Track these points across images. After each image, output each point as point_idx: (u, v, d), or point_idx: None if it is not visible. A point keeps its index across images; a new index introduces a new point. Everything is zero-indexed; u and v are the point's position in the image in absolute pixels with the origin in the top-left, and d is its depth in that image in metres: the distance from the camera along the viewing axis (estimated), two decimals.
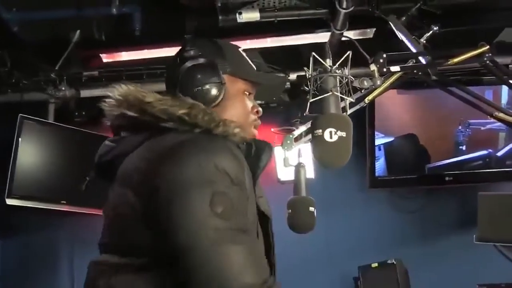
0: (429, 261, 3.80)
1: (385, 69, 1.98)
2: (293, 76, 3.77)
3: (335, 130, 1.81)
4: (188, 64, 1.59)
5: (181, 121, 1.47)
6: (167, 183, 1.37)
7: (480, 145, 3.96)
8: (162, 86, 3.80)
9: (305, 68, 1.97)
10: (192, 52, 1.60)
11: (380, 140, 3.91)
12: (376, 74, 1.98)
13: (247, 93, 1.66)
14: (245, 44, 3.61)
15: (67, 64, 3.55)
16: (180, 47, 1.67)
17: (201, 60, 1.59)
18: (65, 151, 3.64)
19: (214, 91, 1.57)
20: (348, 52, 1.90)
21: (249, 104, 1.66)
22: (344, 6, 2.78)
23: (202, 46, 1.63)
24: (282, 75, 1.93)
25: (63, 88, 3.61)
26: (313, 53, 1.92)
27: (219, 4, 2.97)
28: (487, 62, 2.37)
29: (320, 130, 1.85)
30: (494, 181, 3.95)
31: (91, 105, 3.72)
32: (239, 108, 1.63)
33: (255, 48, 3.77)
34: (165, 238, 1.36)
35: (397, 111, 3.96)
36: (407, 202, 4.07)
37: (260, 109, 1.67)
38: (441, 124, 3.97)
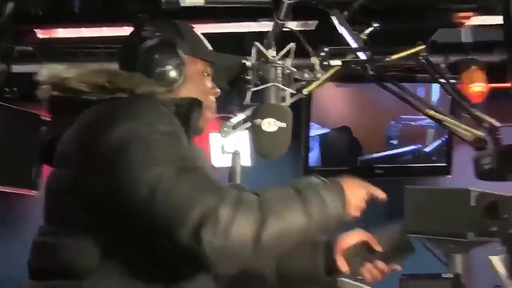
0: None
1: (326, 63, 2.01)
2: None
3: (275, 121, 1.82)
4: (148, 43, 1.54)
5: (103, 90, 1.43)
6: (103, 152, 1.34)
7: (410, 140, 4.12)
8: (98, 66, 3.78)
9: (247, 57, 1.96)
10: (150, 32, 1.56)
11: (315, 131, 3.97)
12: (317, 67, 2.00)
13: (206, 74, 1.64)
14: None
15: None
16: (133, 27, 1.62)
17: (161, 39, 1.55)
18: None
19: (175, 72, 1.54)
20: (291, 44, 1.91)
21: (208, 84, 1.65)
22: None
23: (160, 26, 1.59)
24: (237, 56, 1.92)
25: None
26: (256, 43, 1.91)
27: None
28: (422, 61, 2.43)
29: (260, 120, 1.85)
30: (421, 175, 4.13)
31: (23, 81, 3.64)
32: (198, 88, 1.61)
33: None
34: (114, 201, 1.32)
35: (334, 103, 4.03)
36: None
37: (218, 90, 1.67)
38: (375, 118, 4.09)
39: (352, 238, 1.76)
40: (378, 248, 1.74)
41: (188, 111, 1.52)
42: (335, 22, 2.59)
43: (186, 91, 1.58)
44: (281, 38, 3.29)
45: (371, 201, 4.42)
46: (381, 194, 1.67)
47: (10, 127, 3.51)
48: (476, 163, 3.10)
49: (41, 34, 3.30)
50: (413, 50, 2.38)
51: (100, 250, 1.36)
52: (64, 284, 1.38)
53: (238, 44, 3.82)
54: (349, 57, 2.34)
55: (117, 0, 3.37)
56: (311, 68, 2.11)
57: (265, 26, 3.44)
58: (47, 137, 1.56)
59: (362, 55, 2.33)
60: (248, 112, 2.62)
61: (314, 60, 2.01)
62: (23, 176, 3.47)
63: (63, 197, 1.42)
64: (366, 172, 4.06)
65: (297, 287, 1.81)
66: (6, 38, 3.48)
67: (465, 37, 4.01)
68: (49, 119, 1.63)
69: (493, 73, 3.92)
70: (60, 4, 3.29)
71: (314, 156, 4.03)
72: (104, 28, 3.44)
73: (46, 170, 3.68)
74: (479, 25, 3.68)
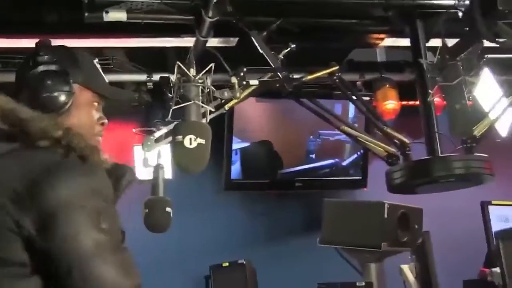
0: (276, 261, 3.92)
1: (244, 82, 2.09)
2: (156, 77, 3.79)
3: (195, 137, 1.88)
4: (41, 68, 1.59)
5: (55, 142, 1.47)
6: (47, 206, 1.38)
7: (328, 154, 4.20)
8: (9, 77, 3.69)
9: (170, 76, 2.02)
10: (46, 58, 1.61)
11: (236, 144, 3.99)
12: (236, 86, 2.08)
13: (96, 104, 1.68)
14: (109, 43, 3.60)
15: None
16: (34, 48, 1.64)
17: (54, 67, 1.60)
18: None
19: (62, 98, 1.59)
20: (211, 64, 1.98)
21: (96, 115, 1.68)
22: (210, 15, 2.85)
23: (57, 53, 1.64)
24: (131, 91, 1.97)
25: None
26: (178, 62, 1.97)
27: (86, 1, 2.92)
28: (336, 80, 2.56)
29: (181, 136, 1.91)
30: (339, 188, 4.22)
31: None
32: (85, 117, 1.65)
33: (120, 47, 3.79)
34: (48, 254, 1.37)
35: (255, 118, 4.07)
36: (258, 205, 4.20)
37: (106, 121, 1.70)
38: (295, 132, 4.15)
39: None
40: None
41: (120, 176, 1.57)
42: (254, 42, 2.68)
43: (75, 118, 1.62)
44: (202, 56, 3.36)
45: (291, 213, 4.52)
46: None
47: None
48: (387, 177, 3.26)
49: None
50: (327, 71, 2.52)
51: None
52: None
53: (160, 57, 3.85)
54: (266, 76, 2.43)
55: (39, 11, 3.35)
56: (230, 85, 2.19)
57: (187, 41, 3.45)
58: None
59: (279, 75, 2.43)
60: (170, 127, 2.66)
61: (234, 80, 2.08)
62: None
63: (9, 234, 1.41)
64: (286, 185, 4.16)
65: None
66: None
67: (380, 57, 4.19)
68: None
69: (404, 91, 4.04)
70: None
71: (235, 169, 4.05)
72: (23, 40, 3.38)
73: None
74: (391, 46, 3.80)
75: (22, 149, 1.47)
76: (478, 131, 2.98)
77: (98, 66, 1.72)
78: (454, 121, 2.88)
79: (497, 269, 2.87)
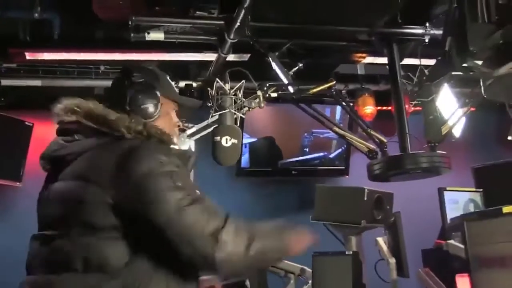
0: None
1: (267, 95, 2.20)
2: (182, 84, 3.88)
3: (230, 138, 2.00)
4: (136, 86, 1.69)
5: (138, 134, 1.60)
6: (135, 176, 1.48)
7: (318, 148, 4.25)
8: (73, 82, 3.76)
9: (209, 89, 2.12)
10: (137, 78, 1.71)
11: (246, 139, 4.00)
12: (261, 98, 2.19)
13: (174, 110, 1.80)
14: (146, 56, 3.67)
15: None
16: (124, 69, 1.78)
17: (145, 84, 1.70)
18: None
19: (153, 108, 1.69)
20: (243, 81, 2.09)
21: (175, 118, 1.80)
22: (232, 37, 2.96)
23: (145, 73, 1.74)
24: (197, 100, 2.08)
25: None
26: (217, 79, 2.08)
27: (133, 24, 3.01)
28: (333, 92, 2.68)
29: (219, 137, 2.02)
30: (326, 176, 4.28)
31: (11, 93, 3.59)
32: (168, 121, 1.76)
33: (152, 60, 3.86)
34: (140, 217, 1.46)
35: (262, 118, 4.10)
36: (263, 188, 4.22)
37: (180, 123, 1.82)
38: (293, 130, 4.19)
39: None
40: None
41: (190, 157, 1.70)
42: (271, 61, 2.78)
43: (162, 123, 1.72)
44: (222, 67, 3.42)
45: (289, 195, 4.51)
46: (315, 241, 1.83)
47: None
48: (369, 168, 3.37)
49: (28, 56, 3.27)
50: (328, 85, 2.64)
51: (127, 251, 1.49)
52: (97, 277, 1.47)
53: (183, 68, 3.92)
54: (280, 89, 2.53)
55: (88, 28, 3.42)
56: (255, 96, 2.30)
57: (207, 56, 3.56)
58: (63, 150, 1.64)
59: (291, 89, 2.55)
60: (198, 126, 2.78)
61: (259, 92, 2.19)
62: (10, 170, 3.42)
63: (92, 206, 1.51)
64: (284, 173, 4.20)
65: None
66: None
67: (360, 71, 4.29)
68: (58, 138, 1.70)
69: (379, 98, 4.12)
70: (43, 31, 3.29)
71: (245, 160, 4.06)
72: (79, 54, 3.46)
73: (29, 167, 3.63)
74: (370, 63, 3.88)
75: (112, 142, 1.59)
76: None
77: (170, 80, 1.82)
78: (428, 128, 2.96)
79: (452, 241, 2.99)
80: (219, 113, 2.01)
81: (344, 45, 3.46)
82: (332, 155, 4.35)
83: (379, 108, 4.16)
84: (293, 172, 4.21)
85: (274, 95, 2.21)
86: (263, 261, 1.60)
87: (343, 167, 4.35)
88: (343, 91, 4.03)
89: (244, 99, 2.09)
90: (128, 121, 1.61)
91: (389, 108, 4.23)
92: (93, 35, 3.35)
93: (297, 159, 4.24)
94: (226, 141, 1.97)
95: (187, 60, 3.73)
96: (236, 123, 2.10)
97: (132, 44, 3.26)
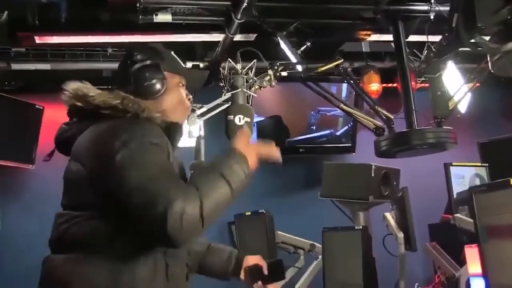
0: (288, 210, 4.00)
1: (278, 74, 2.23)
2: (189, 65, 3.91)
3: (243, 117, 2.03)
4: (138, 65, 1.68)
5: (116, 109, 1.57)
6: (111, 153, 1.46)
7: (325, 126, 4.27)
8: (81, 65, 3.77)
9: (221, 69, 2.15)
10: (139, 57, 1.70)
11: (255, 118, 4.02)
12: (272, 77, 2.22)
13: (181, 85, 1.76)
14: (153, 38, 3.67)
15: None
16: (126, 51, 1.78)
17: (148, 62, 1.69)
18: None
19: (158, 85, 1.67)
20: (254, 61, 2.12)
21: (183, 92, 1.77)
22: (239, 17, 2.98)
23: (146, 52, 1.73)
24: (204, 71, 2.07)
25: None
26: (229, 59, 2.11)
27: (141, 6, 3.02)
28: (341, 71, 2.71)
29: (232, 116, 2.05)
30: (333, 153, 4.29)
31: (20, 76, 3.64)
32: (177, 96, 1.73)
33: (159, 42, 3.88)
34: (114, 189, 1.44)
35: (269, 97, 4.09)
36: (271, 166, 4.22)
37: (191, 96, 1.80)
38: (299, 109, 4.21)
39: (252, 260, 1.98)
40: (264, 271, 1.95)
41: (172, 130, 1.65)
42: (280, 41, 2.80)
43: (169, 98, 1.70)
44: (229, 47, 3.43)
45: (297, 173, 4.51)
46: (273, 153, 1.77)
47: (11, 114, 3.51)
48: (376, 145, 3.41)
49: (38, 39, 3.29)
50: (336, 63, 2.67)
51: (109, 230, 1.48)
52: (82, 257, 1.49)
53: (189, 49, 3.94)
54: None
55: (94, 11, 3.43)
56: (266, 75, 2.33)
57: (214, 37, 3.55)
58: (66, 133, 1.66)
59: (299, 67, 2.58)
60: (208, 106, 2.80)
61: (270, 72, 2.22)
62: (22, 153, 3.46)
63: (78, 186, 1.53)
64: (292, 151, 4.22)
65: (208, 275, 2.01)
66: (2, 41, 3.46)
67: (365, 48, 4.29)
68: (65, 121, 1.72)
69: (384, 76, 4.17)
70: (50, 13, 3.31)
71: (253, 138, 4.07)
72: (87, 36, 3.47)
73: (41, 150, 3.68)
74: (375, 41, 3.86)
75: (97, 121, 1.59)
76: None
77: (175, 55, 1.81)
78: (436, 104, 2.98)
79: (458, 215, 2.98)
80: (231, 92, 2.03)
81: (349, 23, 3.47)
82: (338, 133, 4.37)
83: (384, 85, 4.19)
84: (301, 150, 4.23)
85: (284, 74, 2.24)
86: (219, 212, 1.49)
87: (350, 144, 4.37)
88: (348, 69, 4.07)
89: (255, 79, 2.12)
90: (105, 96, 1.59)
91: (394, 85, 4.29)
92: (99, 17, 3.35)
93: (304, 137, 4.26)
94: (239, 120, 2.00)
95: (193, 41, 3.77)
96: (248, 102, 2.13)
97: (139, 26, 3.27)
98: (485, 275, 1.79)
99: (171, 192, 1.39)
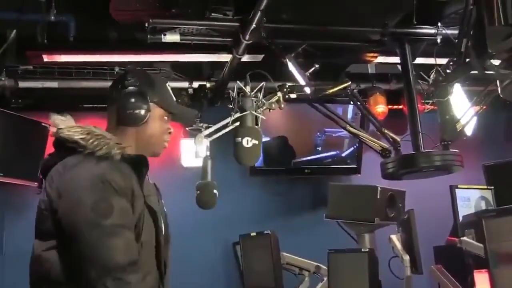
0: (293, 231, 3.97)
1: (287, 96, 2.24)
2: (195, 84, 3.93)
3: (251, 139, 2.04)
4: (127, 90, 1.72)
5: (78, 144, 1.62)
6: (64, 195, 1.55)
7: (331, 147, 4.26)
8: (88, 84, 3.80)
9: (230, 92, 2.16)
10: (131, 81, 1.73)
11: None
12: (281, 99, 2.22)
13: (166, 118, 1.78)
14: (161, 57, 3.71)
15: (3, 58, 3.41)
16: (123, 72, 1.83)
17: (137, 89, 1.72)
18: (2, 131, 3.52)
19: (141, 114, 1.71)
20: (263, 83, 2.13)
21: (165, 126, 1.78)
22: (247, 38, 3.00)
23: (140, 77, 1.76)
24: (194, 110, 2.10)
25: (3, 78, 3.45)
26: (237, 81, 2.12)
27: (150, 26, 3.05)
28: (349, 93, 2.72)
29: (240, 138, 2.06)
30: (339, 174, 4.28)
31: (27, 94, 3.65)
32: (157, 128, 1.76)
33: (167, 61, 3.90)
34: (63, 231, 1.54)
35: (274, 118, 4.04)
36: (277, 187, 4.23)
37: (172, 130, 1.81)
38: (305, 130, 4.20)
39: None
40: None
41: (138, 163, 1.68)
42: (288, 62, 2.81)
43: (149, 129, 1.73)
44: (237, 67, 3.45)
45: (302, 194, 4.52)
46: None
47: (17, 131, 3.52)
48: (382, 167, 3.40)
49: (46, 58, 3.32)
50: (344, 85, 2.68)
51: (67, 266, 1.55)
52: None
53: (197, 69, 3.96)
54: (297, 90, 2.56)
55: (103, 30, 3.47)
56: (272, 96, 2.33)
57: (221, 57, 3.61)
58: (48, 163, 1.69)
59: (307, 90, 2.59)
60: (216, 126, 2.80)
61: (279, 94, 2.23)
62: (27, 171, 3.45)
63: (46, 218, 1.59)
64: (298, 171, 4.21)
65: None
66: (10, 59, 3.49)
67: (371, 70, 4.30)
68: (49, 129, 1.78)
69: (390, 97, 4.18)
70: (58, 32, 3.35)
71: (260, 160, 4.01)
72: (94, 55, 3.50)
73: None
74: (381, 63, 3.92)
75: (67, 157, 1.63)
76: None
77: (169, 88, 1.83)
78: (444, 127, 2.98)
79: (465, 238, 2.95)
80: (240, 114, 2.04)
81: (357, 45, 3.51)
82: (344, 154, 4.36)
83: (390, 107, 4.19)
84: (306, 170, 4.23)
85: (293, 96, 2.24)
86: None
87: (355, 166, 4.37)
88: (354, 90, 4.08)
89: (264, 101, 2.13)
90: (72, 131, 1.64)
91: (400, 107, 4.31)
92: (107, 36, 3.43)
93: (310, 158, 4.26)
94: (247, 142, 2.01)
95: (200, 61, 3.80)
96: (257, 124, 2.14)
97: (146, 46, 3.30)
98: None
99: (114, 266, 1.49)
